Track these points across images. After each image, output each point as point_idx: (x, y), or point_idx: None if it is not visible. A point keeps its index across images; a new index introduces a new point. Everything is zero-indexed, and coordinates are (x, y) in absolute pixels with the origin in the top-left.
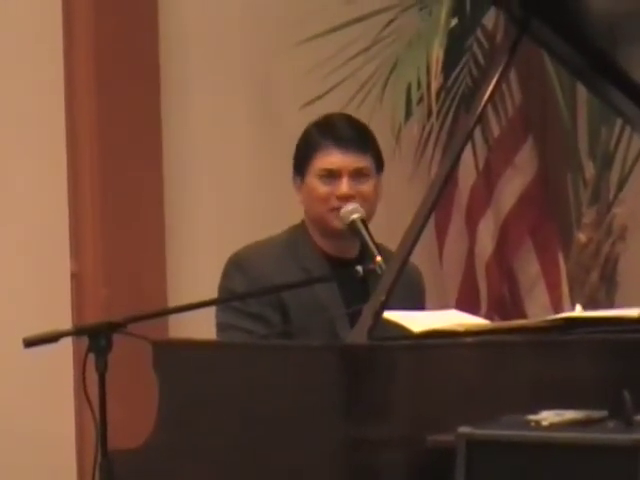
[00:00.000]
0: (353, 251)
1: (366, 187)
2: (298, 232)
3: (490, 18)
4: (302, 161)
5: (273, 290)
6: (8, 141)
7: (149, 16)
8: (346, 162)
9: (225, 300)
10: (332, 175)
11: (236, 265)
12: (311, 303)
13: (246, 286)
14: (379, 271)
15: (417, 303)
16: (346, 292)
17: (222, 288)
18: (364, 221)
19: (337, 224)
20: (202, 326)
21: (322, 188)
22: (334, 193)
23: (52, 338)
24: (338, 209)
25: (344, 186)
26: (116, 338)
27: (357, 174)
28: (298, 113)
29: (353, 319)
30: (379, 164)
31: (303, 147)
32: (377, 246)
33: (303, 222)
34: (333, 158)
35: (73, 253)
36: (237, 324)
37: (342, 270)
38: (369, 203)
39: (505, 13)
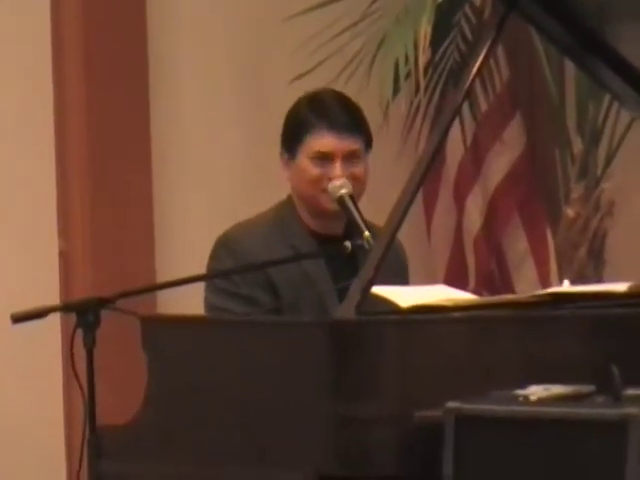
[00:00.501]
0: (339, 228)
1: (358, 169)
2: (285, 209)
3: None
4: (293, 139)
5: (261, 267)
6: None
7: None
8: (340, 146)
9: (213, 276)
10: (325, 157)
11: (224, 247)
12: (299, 279)
13: (234, 266)
14: (367, 246)
15: (401, 279)
16: (334, 268)
17: (210, 269)
18: (352, 196)
19: (329, 205)
20: (191, 303)
21: (314, 170)
22: (326, 175)
23: (40, 314)
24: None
25: (337, 169)
26: (104, 314)
27: (350, 157)
28: (286, 89)
29: (342, 295)
30: (368, 143)
31: (294, 125)
32: (365, 222)
33: (290, 198)
34: (327, 141)
35: (61, 231)
36: (227, 306)
37: (330, 246)
38: (360, 183)
39: None
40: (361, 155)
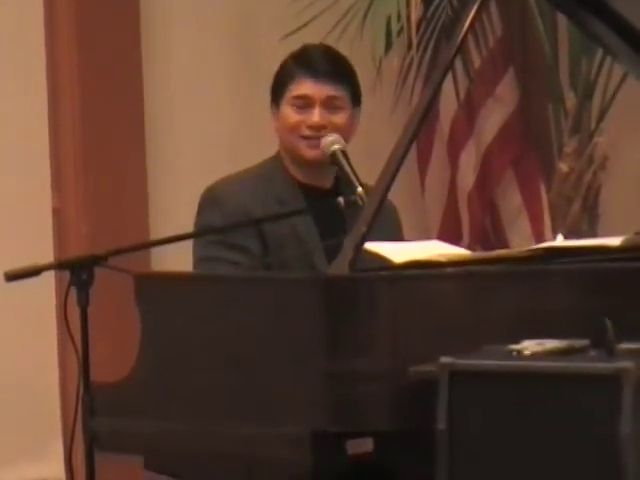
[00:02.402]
0: (328, 181)
1: (339, 118)
2: (272, 163)
3: None
4: (277, 90)
5: (250, 223)
6: None
7: None
8: (318, 90)
9: (205, 232)
10: (305, 104)
11: (210, 200)
12: (288, 234)
13: (222, 219)
14: (360, 203)
15: (395, 237)
16: (322, 224)
17: (198, 224)
18: (345, 152)
19: (307, 153)
20: (184, 261)
21: (294, 116)
22: (305, 122)
23: (34, 272)
24: (309, 138)
25: (315, 115)
26: (98, 272)
27: (329, 104)
28: (278, 45)
29: (329, 251)
30: (355, 97)
31: (279, 76)
32: (358, 178)
33: (278, 152)
34: (305, 86)
35: (55, 188)
36: (220, 256)
37: (323, 202)
38: (342, 134)
39: None
40: (343, 105)
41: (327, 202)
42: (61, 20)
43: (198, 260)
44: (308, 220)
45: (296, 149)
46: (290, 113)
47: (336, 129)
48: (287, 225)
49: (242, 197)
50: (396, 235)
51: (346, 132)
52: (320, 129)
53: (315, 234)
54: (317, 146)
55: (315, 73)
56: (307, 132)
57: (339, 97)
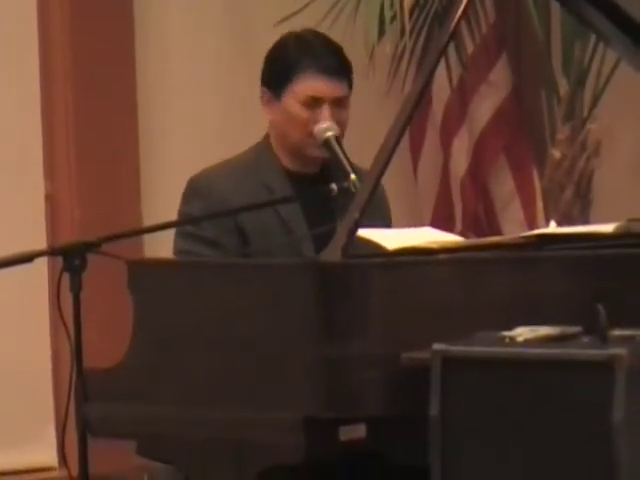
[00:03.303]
0: (315, 168)
1: (344, 114)
2: (260, 149)
3: None
4: (279, 79)
5: (236, 211)
6: None
7: None
8: (330, 91)
9: (197, 219)
10: (315, 103)
11: (194, 189)
12: (273, 223)
13: (203, 209)
14: (353, 189)
15: (384, 220)
16: (309, 211)
17: (181, 214)
18: (338, 139)
19: (314, 152)
20: None
21: (303, 113)
22: (314, 119)
23: (26, 258)
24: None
25: (326, 114)
26: (91, 258)
27: (339, 103)
28: (272, 30)
29: (317, 239)
30: (351, 87)
31: (280, 65)
32: (351, 164)
33: (267, 138)
34: (318, 85)
35: (47, 174)
36: (192, 249)
37: (314, 189)
38: (344, 128)
39: None
40: (348, 101)
41: (319, 189)
42: (54, 7)
43: (176, 253)
44: (295, 207)
45: (303, 146)
46: (298, 109)
47: (341, 125)
48: (273, 213)
49: (226, 187)
50: (386, 218)
51: (346, 124)
52: None
53: (302, 222)
54: None
55: (326, 71)
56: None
57: (346, 95)
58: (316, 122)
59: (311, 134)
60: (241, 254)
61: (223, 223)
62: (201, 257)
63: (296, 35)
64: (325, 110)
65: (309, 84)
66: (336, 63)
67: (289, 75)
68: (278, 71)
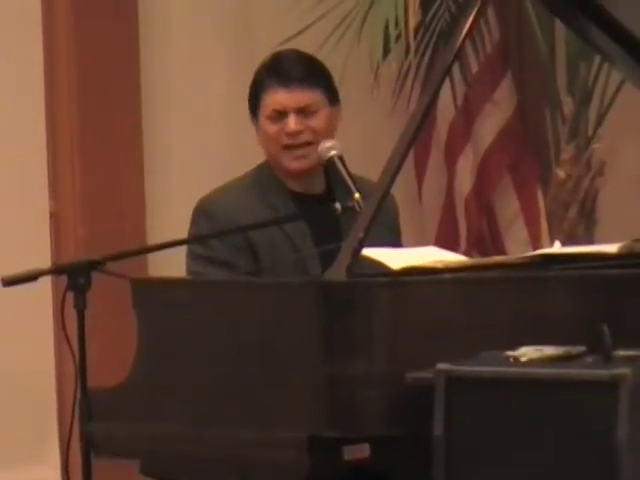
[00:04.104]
0: (318, 187)
1: (315, 121)
2: (263, 170)
3: None
4: (253, 102)
5: (244, 230)
6: None
7: None
8: (292, 101)
9: (202, 238)
10: (280, 115)
11: (202, 211)
12: (280, 242)
13: (213, 230)
14: (357, 209)
15: (393, 232)
16: (315, 230)
17: (190, 236)
18: (342, 158)
19: (291, 165)
20: (181, 265)
21: (272, 127)
22: (282, 130)
23: (31, 277)
24: (290, 147)
25: (291, 123)
26: (95, 276)
27: (303, 111)
28: (277, 49)
29: (323, 258)
30: (331, 96)
31: (253, 88)
32: (355, 182)
33: (268, 160)
34: (279, 97)
35: (52, 192)
36: (204, 271)
37: (319, 208)
38: (321, 136)
39: None
40: (318, 107)
41: (323, 208)
42: (59, 20)
43: (189, 274)
44: (302, 227)
45: (280, 162)
46: (268, 125)
47: (314, 132)
48: (280, 233)
49: (233, 207)
50: (395, 228)
51: (325, 133)
52: (297, 135)
53: (309, 241)
54: (301, 156)
55: (286, 82)
56: (286, 140)
57: (312, 103)
58: (286, 133)
59: (284, 147)
60: (251, 272)
61: (233, 242)
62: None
63: (268, 57)
64: (291, 120)
65: (271, 98)
66: (299, 73)
67: (259, 95)
68: (252, 94)
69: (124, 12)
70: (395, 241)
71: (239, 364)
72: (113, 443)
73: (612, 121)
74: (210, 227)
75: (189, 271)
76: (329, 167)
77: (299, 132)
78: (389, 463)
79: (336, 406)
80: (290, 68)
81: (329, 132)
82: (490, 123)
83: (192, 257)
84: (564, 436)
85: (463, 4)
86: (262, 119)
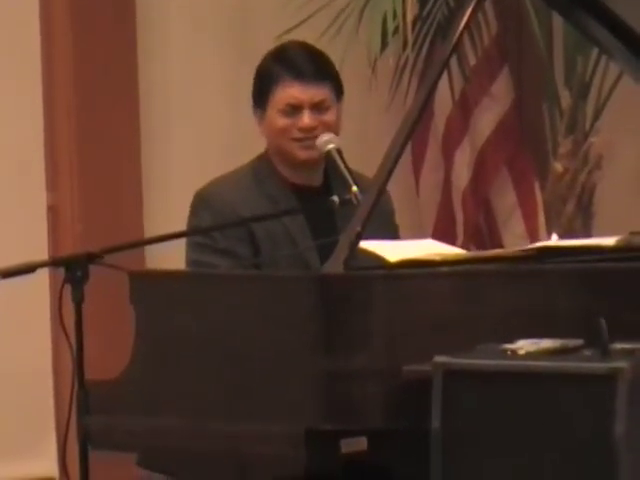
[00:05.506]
0: (317, 179)
1: (328, 117)
2: (262, 162)
3: None
4: (262, 94)
5: (242, 222)
6: None
7: None
8: (307, 96)
9: (200, 231)
10: (294, 109)
11: (201, 201)
12: (279, 234)
13: (213, 220)
14: (355, 202)
15: (390, 230)
16: (313, 222)
17: (190, 226)
18: (340, 151)
19: (301, 154)
20: (179, 259)
21: (283, 120)
22: (295, 125)
23: (28, 269)
24: (300, 139)
25: (306, 118)
26: (93, 269)
27: (318, 106)
28: (274, 44)
29: (322, 250)
30: (338, 91)
31: (261, 80)
32: (353, 176)
33: (267, 152)
34: (294, 92)
35: (49, 186)
36: (205, 260)
37: (317, 201)
38: (332, 130)
39: None
40: (330, 103)
41: (321, 201)
42: (57, 20)
43: (189, 264)
44: (300, 219)
45: (289, 151)
46: (278, 118)
47: (327, 127)
48: (279, 224)
49: (232, 197)
50: (391, 224)
51: (336, 128)
52: (312, 130)
53: (307, 233)
54: (310, 147)
55: (301, 76)
56: (298, 134)
57: (325, 98)
58: (298, 128)
59: (294, 139)
60: (252, 264)
61: (234, 232)
62: (211, 267)
63: (275, 48)
64: (305, 115)
65: (286, 92)
66: (312, 68)
67: (269, 88)
68: (260, 87)
69: (122, 13)
70: (392, 239)
71: (236, 357)
72: (110, 436)
73: (610, 115)
74: (211, 217)
75: (189, 260)
76: (327, 160)
77: (313, 128)
78: (386, 456)
79: (333, 399)
80: (302, 61)
81: (338, 127)
82: (487, 117)
83: (194, 247)
84: (561, 429)
85: None
86: (272, 112)
